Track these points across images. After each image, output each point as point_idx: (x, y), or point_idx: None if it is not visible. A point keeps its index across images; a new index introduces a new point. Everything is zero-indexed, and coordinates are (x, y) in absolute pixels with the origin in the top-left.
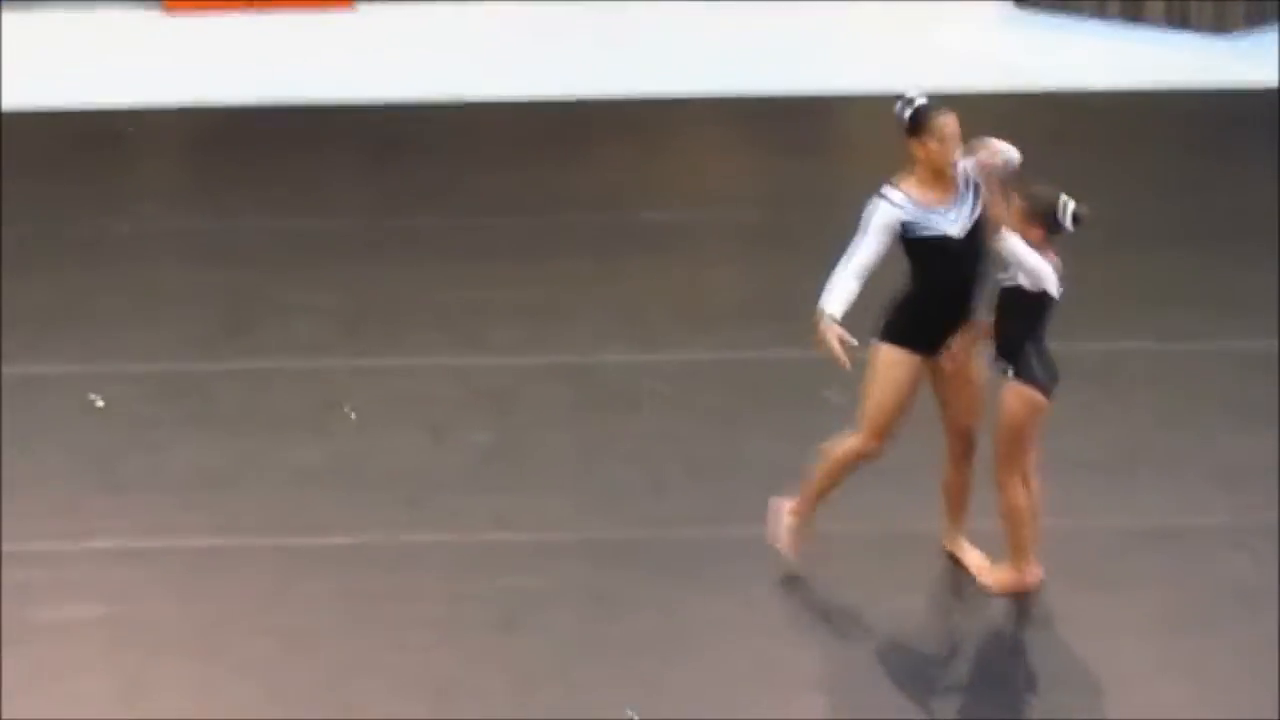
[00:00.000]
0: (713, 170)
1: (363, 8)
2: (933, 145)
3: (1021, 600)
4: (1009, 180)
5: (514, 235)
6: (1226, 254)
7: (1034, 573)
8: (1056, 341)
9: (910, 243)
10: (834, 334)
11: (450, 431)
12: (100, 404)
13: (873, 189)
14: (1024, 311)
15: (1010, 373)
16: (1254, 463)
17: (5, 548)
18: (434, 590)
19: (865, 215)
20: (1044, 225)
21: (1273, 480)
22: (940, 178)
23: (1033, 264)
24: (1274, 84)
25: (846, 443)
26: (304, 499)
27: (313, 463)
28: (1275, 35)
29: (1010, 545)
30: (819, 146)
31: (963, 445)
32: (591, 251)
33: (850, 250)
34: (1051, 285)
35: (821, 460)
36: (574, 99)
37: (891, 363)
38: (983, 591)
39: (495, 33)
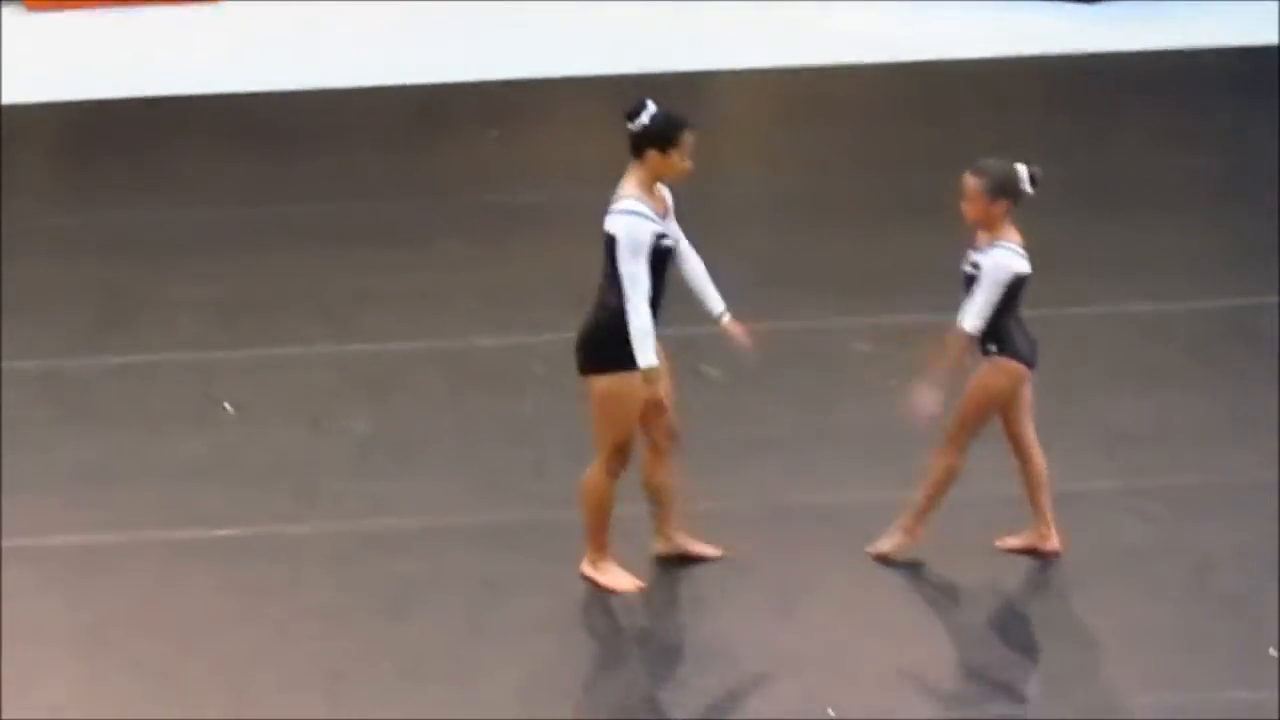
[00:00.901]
0: (586, 150)
1: (226, 1)
2: (675, 157)
3: (916, 568)
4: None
5: (388, 221)
6: (1104, 218)
7: (920, 534)
8: (943, 314)
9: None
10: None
11: (331, 420)
12: None
13: (751, 164)
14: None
15: (994, 350)
16: (1141, 426)
17: None
18: (321, 579)
19: (625, 236)
20: (1005, 197)
21: (1160, 443)
22: (658, 187)
23: (999, 284)
24: (1140, 48)
25: (597, 473)
26: (187, 493)
27: (195, 456)
28: (1138, 2)
29: (919, 506)
30: (697, 123)
31: (669, 439)
32: (466, 235)
33: (628, 281)
34: (1022, 267)
35: (584, 499)
36: (443, 83)
37: (623, 391)
38: (879, 558)
39: (361, 20)
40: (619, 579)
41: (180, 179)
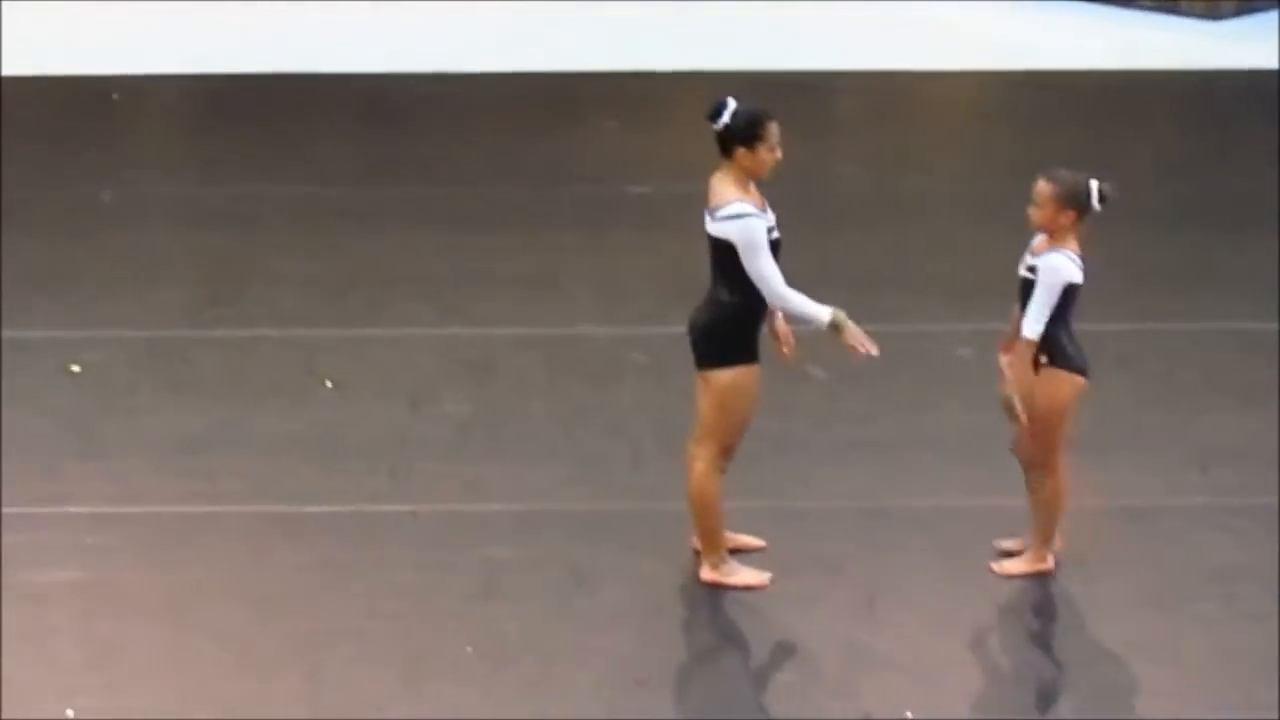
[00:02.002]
0: (700, 145)
1: None
2: (764, 151)
3: (1004, 577)
4: None
5: (499, 206)
6: (1211, 235)
7: (1051, 559)
8: None
9: None
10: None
11: (430, 401)
12: (77, 369)
13: (871, 165)
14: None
15: (1045, 362)
16: (1234, 444)
17: None
18: (409, 559)
19: (743, 239)
20: (1075, 208)
21: (1252, 462)
22: (754, 182)
23: (1055, 289)
24: (1266, 67)
25: (701, 469)
26: (282, 467)
27: (292, 431)
28: (1266, 18)
29: (1040, 530)
30: (810, 123)
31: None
32: (577, 224)
33: (760, 280)
34: (1076, 276)
35: (696, 505)
36: (564, 71)
37: (743, 384)
38: (1003, 575)
39: (489, 3)
40: (746, 576)
41: (295, 156)
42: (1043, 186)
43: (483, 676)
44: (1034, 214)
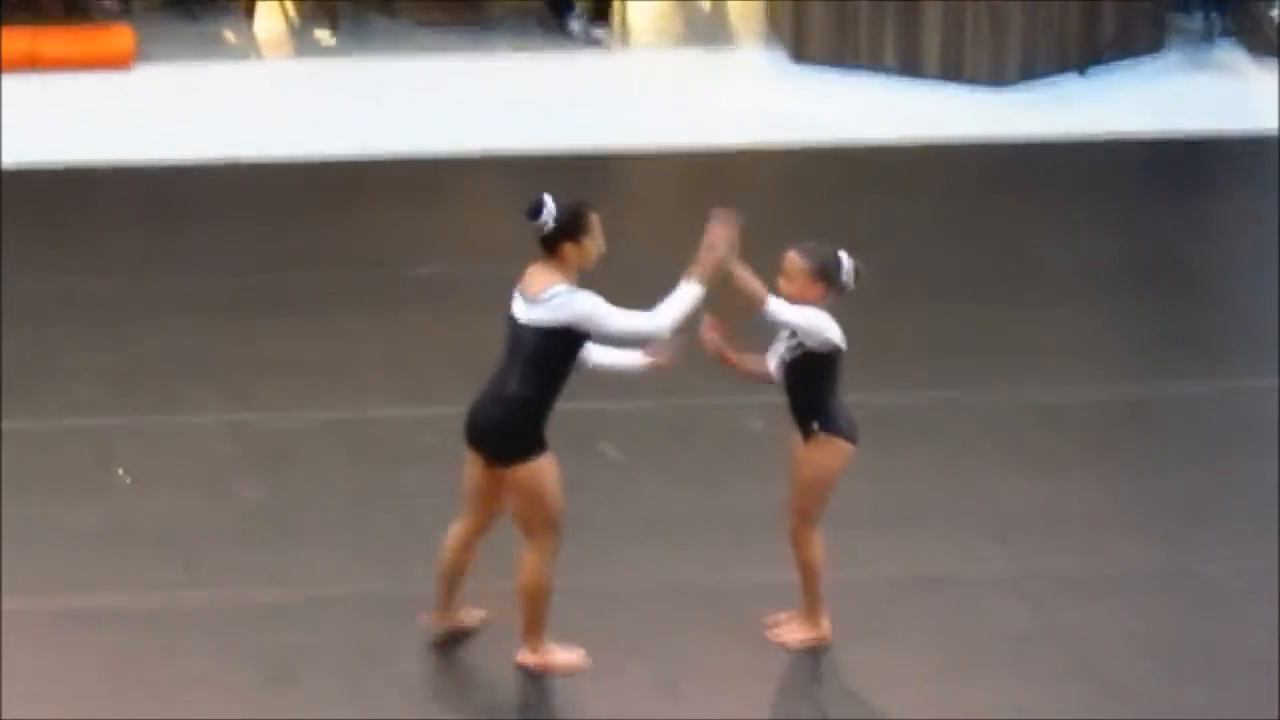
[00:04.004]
0: (485, 227)
1: (140, 68)
2: (588, 242)
3: (811, 654)
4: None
5: (288, 293)
6: (1004, 304)
7: (826, 626)
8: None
9: (573, 341)
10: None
11: (225, 489)
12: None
13: (651, 246)
14: (819, 372)
15: (818, 427)
16: (1028, 512)
17: None
18: (207, 648)
19: (585, 308)
20: (826, 282)
21: (1046, 529)
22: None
23: (809, 323)
24: (1049, 135)
25: (537, 560)
26: (78, 560)
27: (88, 524)
28: (1048, 84)
29: (807, 600)
30: (595, 203)
31: (487, 527)
32: (365, 308)
33: (628, 329)
34: (836, 335)
35: (526, 591)
36: (346, 158)
37: (550, 470)
38: (780, 646)
39: (273, 92)
40: (567, 658)
41: (83, 249)
42: (794, 260)
43: None
44: (784, 286)
